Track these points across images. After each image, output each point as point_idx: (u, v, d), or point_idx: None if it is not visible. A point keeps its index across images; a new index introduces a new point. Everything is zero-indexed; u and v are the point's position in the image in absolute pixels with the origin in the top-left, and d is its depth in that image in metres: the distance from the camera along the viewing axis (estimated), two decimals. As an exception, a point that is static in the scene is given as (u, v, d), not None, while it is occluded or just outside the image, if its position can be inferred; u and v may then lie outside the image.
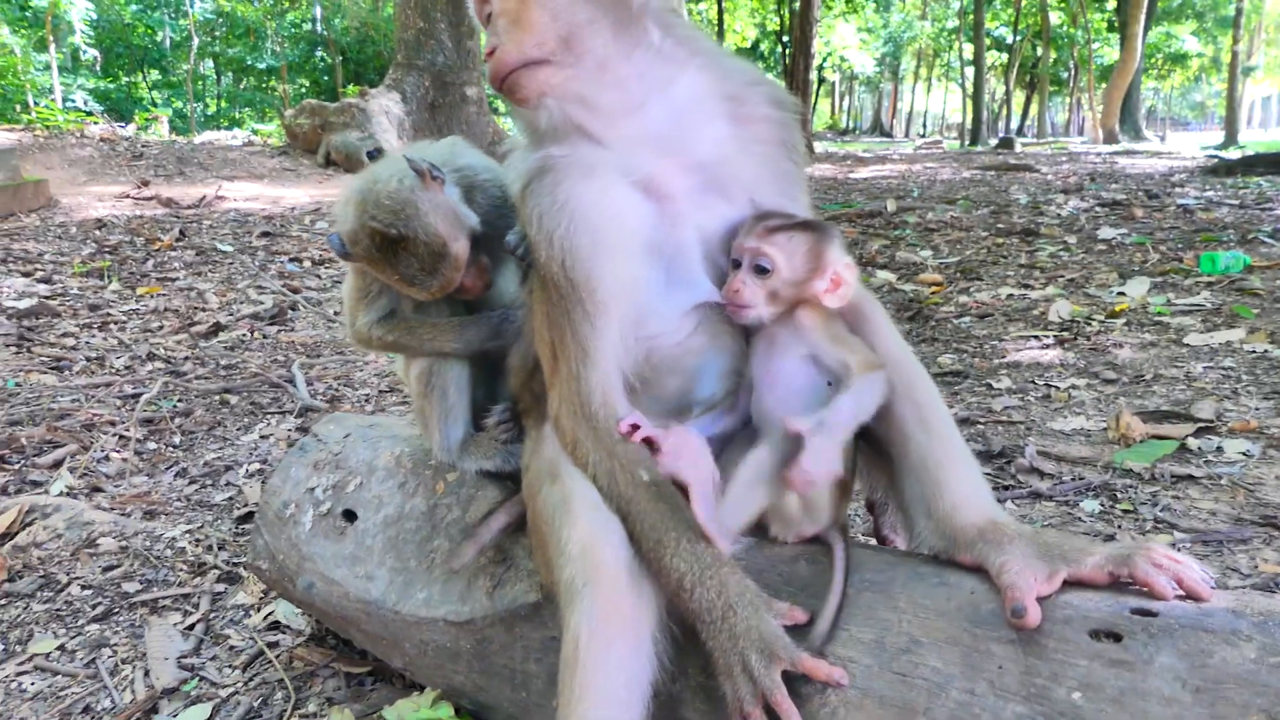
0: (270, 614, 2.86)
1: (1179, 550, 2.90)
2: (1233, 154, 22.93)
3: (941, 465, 1.76)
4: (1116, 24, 44.57)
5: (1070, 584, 1.55)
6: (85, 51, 34.55)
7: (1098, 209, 12.02)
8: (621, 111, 1.80)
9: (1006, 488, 3.59)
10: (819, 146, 35.47)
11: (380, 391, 5.25)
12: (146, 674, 2.58)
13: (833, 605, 1.64)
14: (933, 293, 7.51)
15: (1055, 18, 50.92)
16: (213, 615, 2.91)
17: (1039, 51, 53.51)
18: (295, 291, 7.93)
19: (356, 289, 2.28)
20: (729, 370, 1.94)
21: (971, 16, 42.75)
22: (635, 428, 1.77)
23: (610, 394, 1.80)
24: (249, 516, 3.59)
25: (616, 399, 1.81)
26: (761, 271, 1.82)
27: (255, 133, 25.15)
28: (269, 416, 4.81)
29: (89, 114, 24.54)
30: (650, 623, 1.70)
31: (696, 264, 1.86)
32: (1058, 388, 4.78)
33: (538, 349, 1.94)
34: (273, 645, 2.70)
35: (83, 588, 3.06)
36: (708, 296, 1.85)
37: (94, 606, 2.95)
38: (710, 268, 1.88)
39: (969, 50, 45.10)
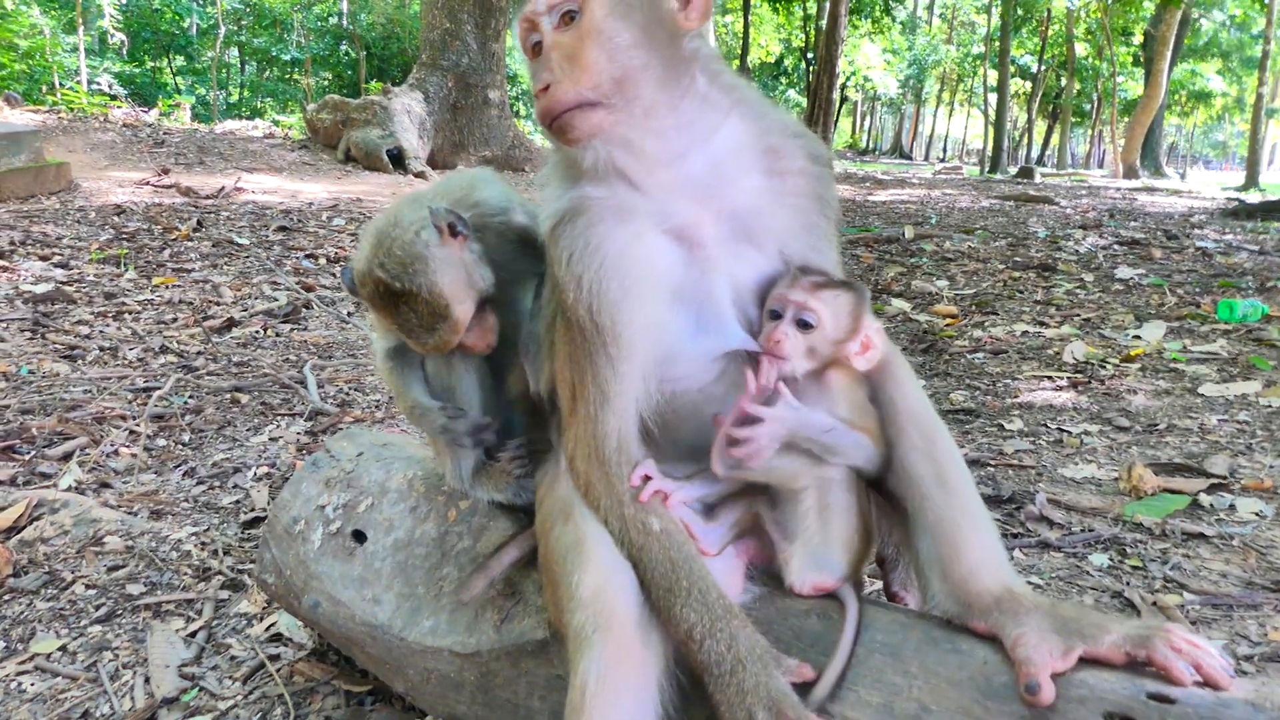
0: (273, 625, 2.86)
1: (1189, 619, 2.90)
2: (1253, 197, 22.89)
3: (959, 527, 1.75)
4: (1142, 59, 44.53)
5: (1086, 661, 1.54)
6: (113, 35, 34.71)
7: (1116, 247, 11.98)
8: (664, 160, 1.79)
9: (1015, 535, 3.57)
10: (838, 166, 35.49)
11: (391, 399, 5.25)
12: (147, 681, 2.57)
13: (838, 665, 1.63)
14: (947, 325, 7.50)
15: (1081, 49, 50.89)
16: (215, 623, 2.91)
17: (1063, 82, 53.51)
18: (309, 289, 7.94)
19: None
20: None
21: (997, 43, 42.77)
22: (646, 479, 1.77)
23: (626, 440, 1.81)
24: (255, 522, 3.59)
25: (631, 445, 1.82)
26: (805, 326, 1.82)
27: (276, 124, 25.25)
28: (279, 418, 4.82)
29: (113, 98, 24.72)
30: (657, 671, 1.70)
31: (727, 311, 1.84)
32: (1070, 432, 4.76)
33: (557, 386, 1.93)
34: (274, 658, 2.70)
35: (87, 587, 3.06)
36: (738, 344, 1.85)
37: (97, 607, 2.96)
38: (740, 316, 1.87)
39: (993, 77, 45.12)
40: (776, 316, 1.84)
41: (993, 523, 1.81)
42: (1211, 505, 3.77)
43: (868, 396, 1.88)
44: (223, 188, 12.82)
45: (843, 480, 1.83)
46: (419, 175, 17.82)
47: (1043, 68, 51.87)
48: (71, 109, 18.58)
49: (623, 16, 1.72)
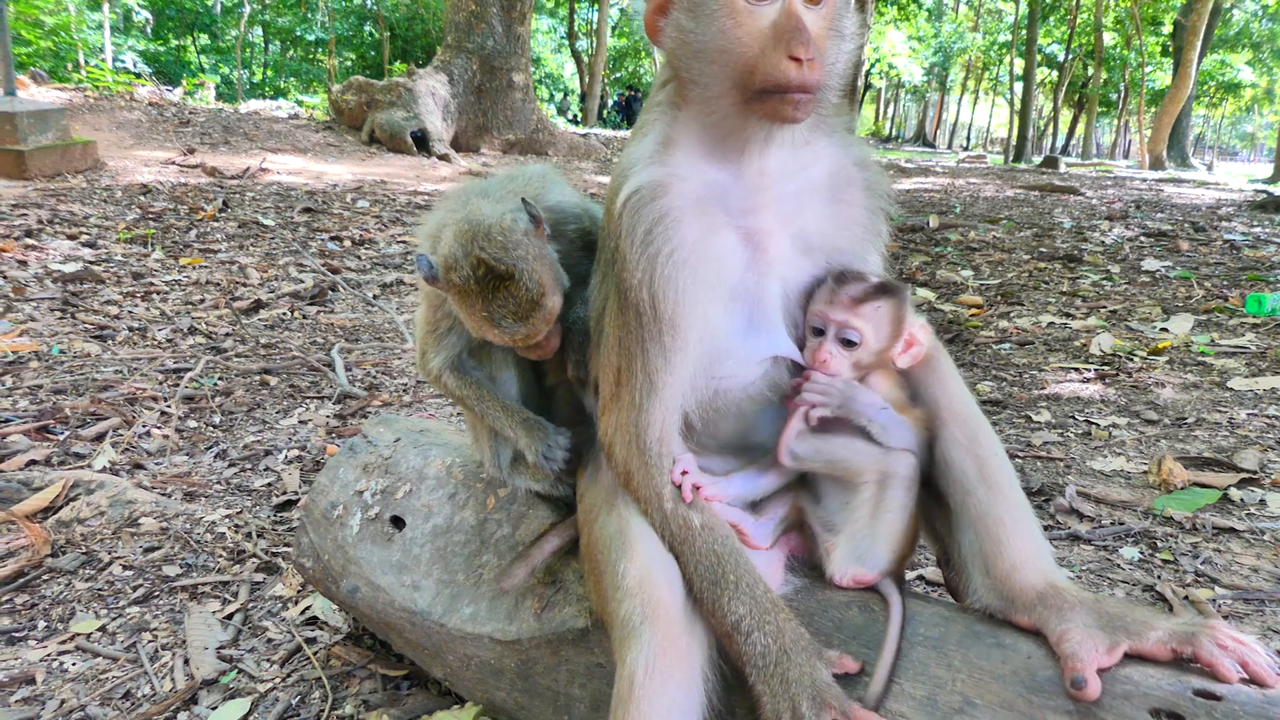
0: (308, 608, 2.89)
1: (1220, 614, 2.89)
2: (1282, 188, 22.55)
3: (1002, 523, 1.76)
4: (1171, 49, 43.90)
5: (1131, 657, 1.54)
6: (138, 13, 34.90)
7: (1142, 238, 11.86)
8: (776, 174, 1.82)
9: (1046, 528, 3.56)
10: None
11: (419, 382, 5.28)
12: (186, 662, 2.62)
13: (888, 661, 1.64)
14: (972, 315, 7.46)
15: (1109, 38, 50.23)
16: (251, 605, 2.95)
17: (1090, 71, 52.83)
18: (335, 272, 7.99)
19: (428, 321, 2.23)
20: (783, 417, 1.94)
21: (1024, 32, 42.28)
22: (685, 474, 1.78)
23: (668, 431, 1.81)
24: (287, 504, 3.63)
25: (672, 436, 1.82)
26: (848, 344, 1.84)
27: (300, 104, 25.32)
28: (308, 401, 4.86)
29: (138, 76, 24.82)
30: (701, 661, 1.71)
31: (776, 316, 1.85)
32: (1098, 425, 4.74)
33: (599, 369, 1.93)
34: (310, 641, 2.73)
35: (124, 568, 3.11)
36: (784, 351, 1.85)
37: (134, 588, 3.00)
38: (787, 321, 1.88)
39: (1019, 65, 44.61)
40: (819, 333, 1.85)
41: (1035, 518, 1.81)
42: (1242, 500, 3.74)
43: (909, 395, 1.89)
44: (248, 168, 12.89)
45: (905, 479, 1.84)
46: (443, 158, 17.85)
47: (1070, 57, 51.18)
48: (97, 87, 18.68)
49: (848, 14, 1.76)
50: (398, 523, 2.39)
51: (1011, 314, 7.49)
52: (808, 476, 1.95)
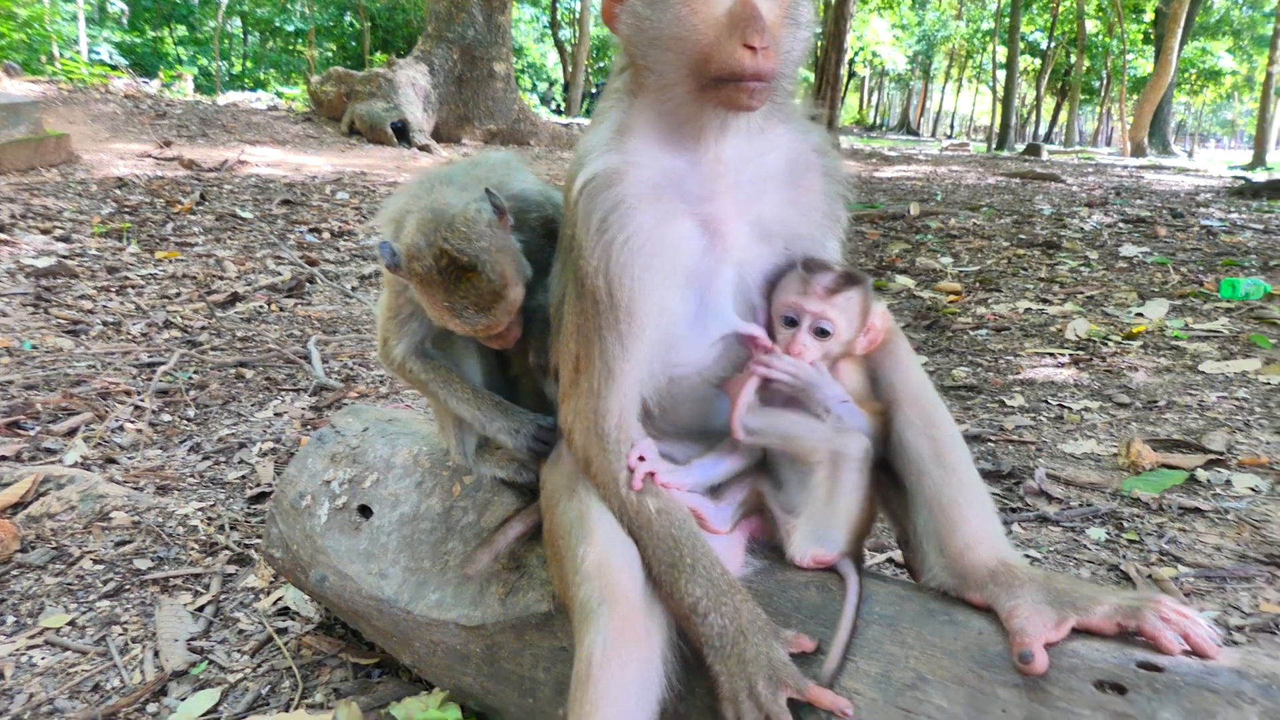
0: (279, 599, 2.90)
1: (1183, 591, 2.94)
2: (1260, 176, 22.75)
3: (956, 503, 1.79)
4: (1153, 36, 44.16)
5: (1078, 632, 1.58)
6: (113, 4, 34.55)
7: (1121, 225, 11.96)
8: (733, 162, 1.83)
9: (1014, 509, 3.61)
10: (844, 142, 35.30)
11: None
12: (156, 655, 2.62)
13: (842, 639, 1.67)
14: (950, 302, 7.51)
15: (1091, 26, 50.42)
16: (223, 597, 2.96)
17: (1072, 59, 53.03)
18: (313, 264, 7.96)
19: (390, 308, 2.23)
20: None
21: (1007, 19, 42.37)
22: (641, 460, 1.80)
23: (626, 417, 1.83)
24: (261, 497, 3.64)
25: (630, 423, 1.84)
26: (822, 334, 1.87)
27: (280, 95, 25.17)
28: (283, 393, 4.86)
29: (114, 68, 24.60)
30: (660, 642, 1.73)
31: (728, 299, 1.87)
32: (1070, 409, 4.79)
33: (559, 356, 1.95)
34: (281, 632, 2.75)
35: (94, 562, 3.11)
36: (733, 328, 1.87)
37: (105, 582, 3.00)
38: (741, 303, 1.90)
39: (1002, 53, 44.72)
40: (791, 324, 1.87)
41: (989, 498, 1.84)
42: (1208, 481, 3.80)
43: (869, 384, 1.92)
44: (226, 160, 12.82)
45: (857, 460, 1.86)
46: (424, 149, 17.78)
47: (1052, 44, 51.37)
48: (71, 79, 18.50)
49: (804, 1, 1.78)
50: (365, 511, 2.41)
51: (989, 300, 7.55)
52: (767, 461, 1.98)
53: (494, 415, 2.14)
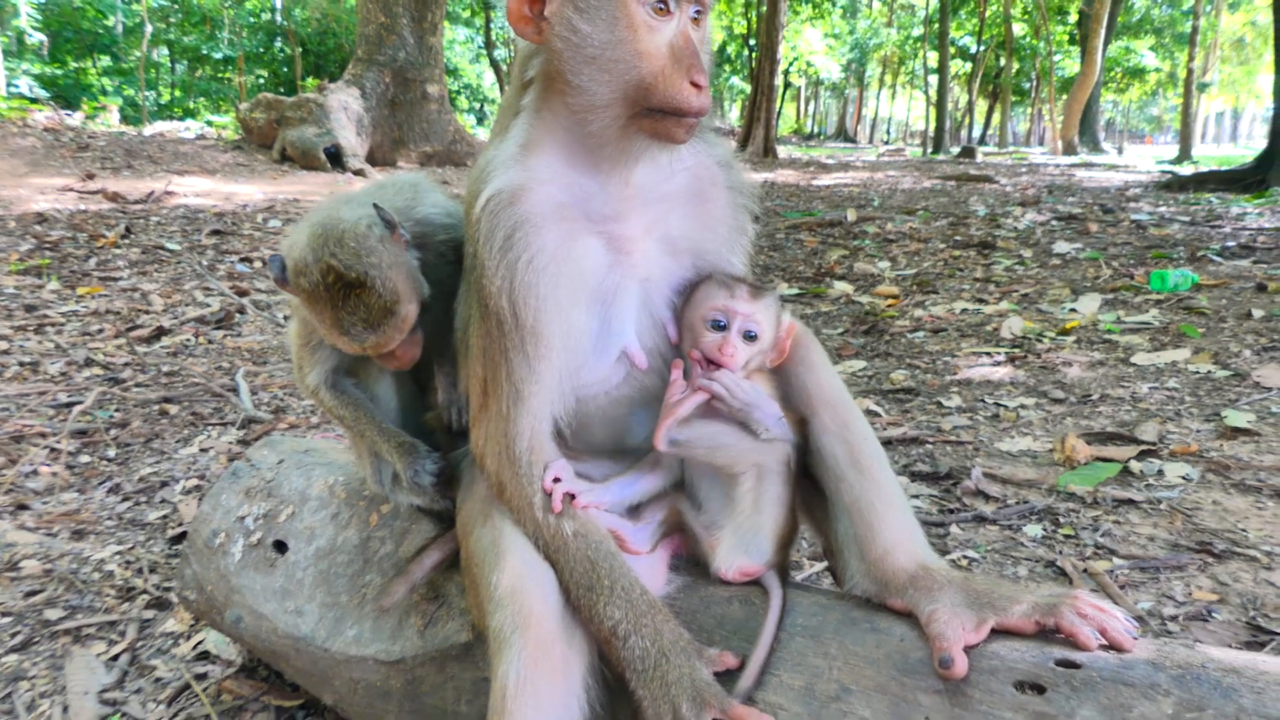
0: (200, 643, 2.80)
1: (1118, 583, 2.97)
2: (1186, 169, 23.49)
3: (874, 508, 1.77)
4: (1078, 37, 45.42)
5: (998, 632, 1.57)
6: (31, 35, 33.74)
7: (1054, 222, 12.23)
8: (647, 185, 1.83)
9: (951, 511, 3.63)
10: (783, 152, 35.69)
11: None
12: (65, 710, 2.50)
13: (761, 653, 1.64)
14: (888, 305, 7.59)
15: (1019, 29, 51.75)
16: (140, 644, 2.84)
17: (1002, 62, 54.34)
18: (244, 294, 7.80)
19: (300, 335, 2.18)
20: (654, 419, 1.93)
21: (937, 25, 43.28)
22: (557, 481, 1.76)
23: (538, 439, 1.79)
24: (183, 536, 3.51)
25: (543, 444, 1.80)
26: (750, 338, 1.84)
27: (210, 124, 24.76)
28: (210, 428, 4.72)
29: (34, 101, 24.00)
30: (581, 669, 1.69)
31: (630, 316, 1.85)
32: (1006, 407, 4.85)
33: (468, 381, 1.91)
34: (201, 677, 2.64)
35: (2, 615, 2.97)
36: (628, 344, 1.85)
37: (13, 635, 2.86)
38: (646, 318, 1.87)
39: (933, 58, 45.70)
40: (719, 327, 1.84)
41: (907, 501, 1.83)
42: (1141, 471, 3.86)
43: (781, 394, 1.90)
44: (152, 192, 12.54)
45: (779, 472, 1.85)
46: (358, 173, 17.59)
47: (982, 48, 52.60)
48: (-11, 115, 18.00)
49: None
50: (280, 547, 2.33)
51: (926, 302, 7.65)
52: (685, 479, 1.95)
53: (396, 455, 2.09)
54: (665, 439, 1.80)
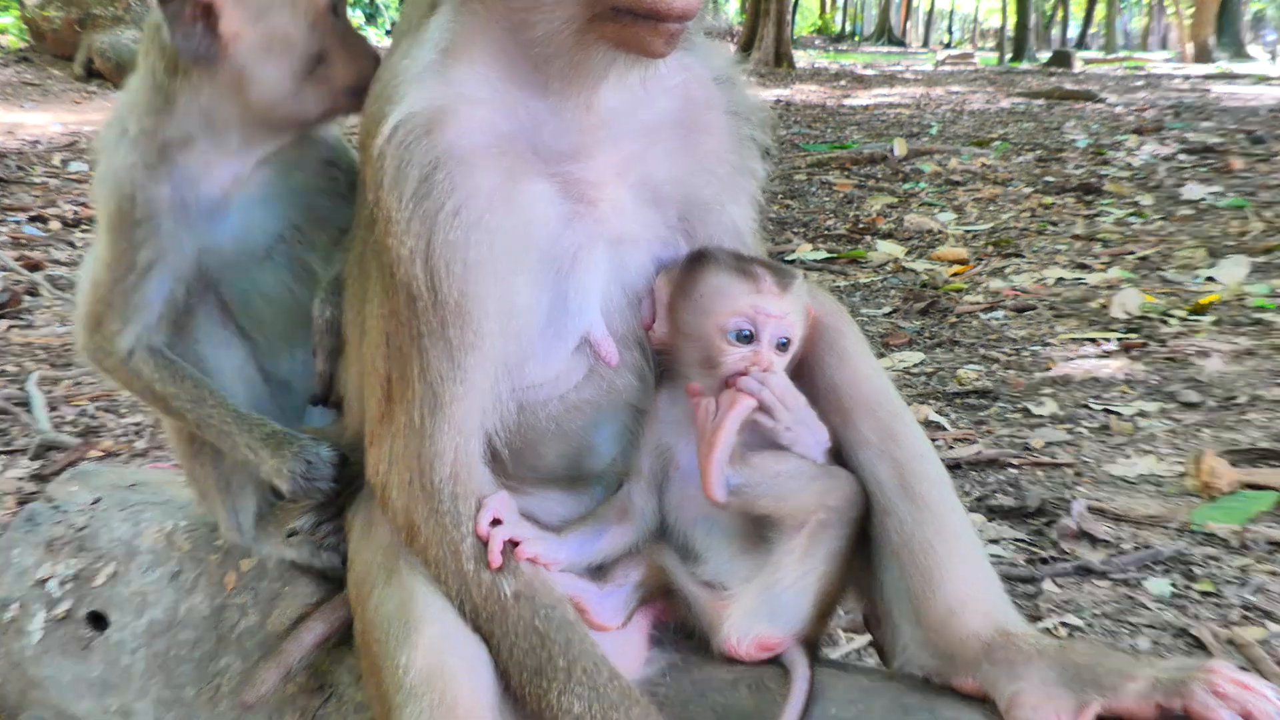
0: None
1: (1275, 658, 3.02)
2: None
3: (933, 551, 1.80)
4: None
5: (1106, 719, 1.61)
6: None
7: (1182, 157, 12.38)
8: (621, 110, 1.86)
9: (1044, 561, 3.68)
10: (802, 59, 35.89)
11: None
12: None
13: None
14: (954, 274, 7.67)
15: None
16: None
17: (1108, -69, 54.90)
18: (36, 268, 7.75)
19: (109, 261, 2.09)
20: (627, 435, 1.96)
21: (1016, -121, 43.67)
22: (496, 524, 1.77)
23: (464, 463, 1.79)
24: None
25: (472, 470, 1.81)
26: (783, 347, 1.88)
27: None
28: (-10, 458, 4.71)
29: None
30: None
31: (595, 288, 1.87)
32: (1120, 414, 4.92)
33: (361, 380, 1.93)
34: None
35: None
36: (595, 330, 1.88)
37: None
38: (617, 293, 1.91)
39: (1013, -74, 46.04)
40: (746, 339, 1.86)
41: (980, 543, 1.87)
42: (1307, 504, 3.93)
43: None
44: (-100, 124, 12.44)
45: (850, 520, 1.86)
46: (196, 94, 17.51)
47: (1080, -89, 53.14)
48: None
49: None
50: (98, 621, 2.35)
51: (1007, 270, 7.73)
52: (670, 522, 1.96)
53: (266, 450, 2.07)
54: (721, 485, 1.77)
